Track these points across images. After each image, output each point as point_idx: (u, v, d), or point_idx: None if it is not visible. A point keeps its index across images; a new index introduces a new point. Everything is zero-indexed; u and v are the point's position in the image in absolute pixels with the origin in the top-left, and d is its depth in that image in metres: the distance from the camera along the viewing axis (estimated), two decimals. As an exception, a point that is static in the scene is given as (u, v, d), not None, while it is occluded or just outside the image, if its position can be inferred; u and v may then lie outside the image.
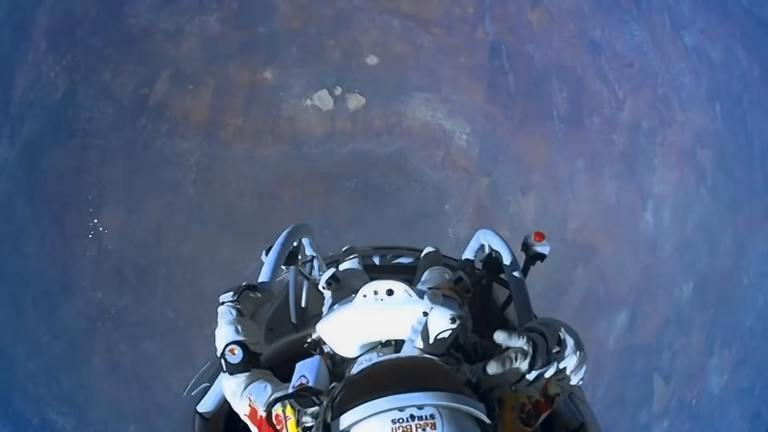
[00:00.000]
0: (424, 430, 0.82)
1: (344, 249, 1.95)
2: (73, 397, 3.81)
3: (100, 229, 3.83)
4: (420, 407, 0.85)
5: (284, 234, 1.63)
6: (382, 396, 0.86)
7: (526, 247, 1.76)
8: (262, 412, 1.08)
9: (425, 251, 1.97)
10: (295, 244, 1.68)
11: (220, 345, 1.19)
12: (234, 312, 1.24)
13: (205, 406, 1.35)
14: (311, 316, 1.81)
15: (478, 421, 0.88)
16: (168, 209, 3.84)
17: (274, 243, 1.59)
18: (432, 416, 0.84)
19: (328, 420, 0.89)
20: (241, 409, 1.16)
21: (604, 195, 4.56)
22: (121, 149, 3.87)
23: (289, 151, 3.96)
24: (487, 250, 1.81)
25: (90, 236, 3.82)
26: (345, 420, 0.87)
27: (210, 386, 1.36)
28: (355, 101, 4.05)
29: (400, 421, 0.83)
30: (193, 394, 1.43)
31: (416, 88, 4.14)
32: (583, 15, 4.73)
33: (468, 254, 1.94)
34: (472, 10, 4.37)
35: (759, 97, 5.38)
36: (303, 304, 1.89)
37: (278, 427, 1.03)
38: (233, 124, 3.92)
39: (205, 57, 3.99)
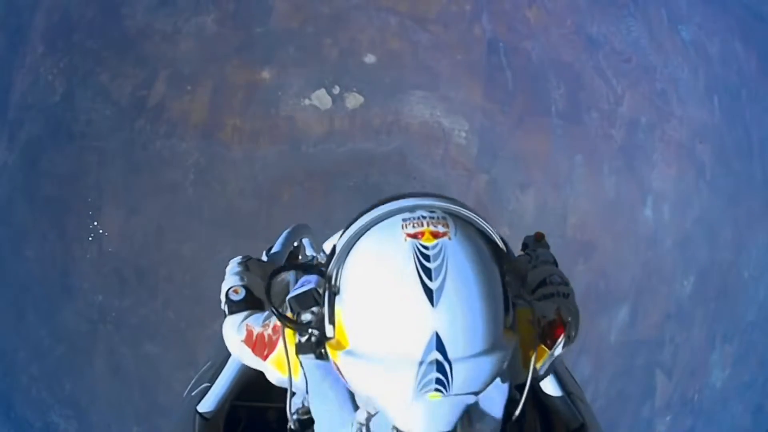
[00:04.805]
0: (435, 227, 0.76)
1: None
2: (75, 400, 3.81)
3: (100, 231, 3.83)
4: (431, 210, 0.80)
5: (284, 234, 1.64)
6: (389, 202, 0.81)
7: (526, 247, 1.76)
8: (259, 329, 1.03)
9: None
10: (295, 244, 1.69)
11: (223, 290, 1.18)
12: (240, 266, 1.26)
13: (206, 406, 1.36)
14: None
15: (490, 243, 0.84)
16: (167, 210, 3.84)
17: (274, 243, 1.60)
18: (444, 218, 0.79)
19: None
20: (237, 339, 1.08)
21: (603, 190, 4.55)
22: (119, 151, 3.87)
23: (287, 150, 3.95)
24: None
25: (90, 239, 3.82)
26: (349, 233, 0.80)
27: (210, 386, 1.37)
28: (354, 100, 4.05)
29: (411, 219, 0.77)
30: (193, 394, 1.44)
31: (414, 86, 4.14)
32: (580, 11, 4.72)
33: None
34: (469, 7, 4.36)
35: (757, 90, 5.37)
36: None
37: (274, 338, 0.99)
38: (231, 125, 3.92)
39: (202, 58, 3.98)
